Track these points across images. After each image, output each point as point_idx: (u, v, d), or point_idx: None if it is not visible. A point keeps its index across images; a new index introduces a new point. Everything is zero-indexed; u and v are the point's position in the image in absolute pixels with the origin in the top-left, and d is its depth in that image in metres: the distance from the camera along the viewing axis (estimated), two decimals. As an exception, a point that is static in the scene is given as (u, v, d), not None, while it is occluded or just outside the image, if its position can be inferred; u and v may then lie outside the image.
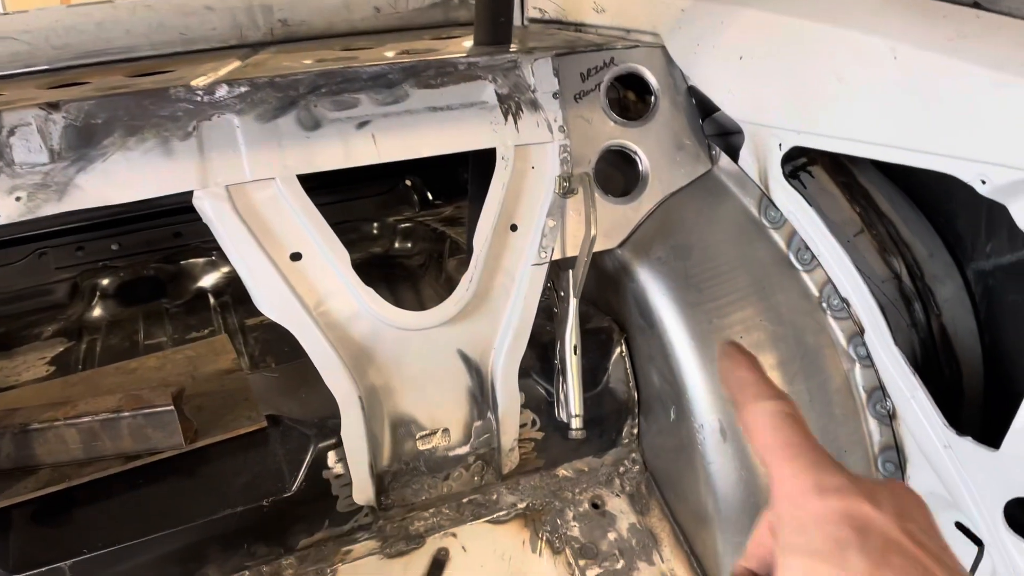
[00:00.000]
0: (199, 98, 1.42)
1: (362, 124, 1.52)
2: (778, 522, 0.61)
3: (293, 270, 1.50)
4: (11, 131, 1.32)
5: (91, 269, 2.72)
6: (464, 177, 3.22)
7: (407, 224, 2.96)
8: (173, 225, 2.82)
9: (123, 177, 1.38)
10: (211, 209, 1.43)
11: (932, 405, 1.42)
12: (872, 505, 0.58)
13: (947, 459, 1.40)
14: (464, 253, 2.31)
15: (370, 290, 1.55)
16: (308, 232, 1.50)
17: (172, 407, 1.49)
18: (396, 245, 2.94)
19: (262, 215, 1.47)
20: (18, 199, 1.33)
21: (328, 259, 1.51)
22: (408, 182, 3.24)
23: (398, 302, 1.60)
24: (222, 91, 1.44)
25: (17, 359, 2.31)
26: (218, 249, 2.71)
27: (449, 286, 2.26)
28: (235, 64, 1.76)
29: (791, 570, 0.57)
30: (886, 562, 0.55)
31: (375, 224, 3.01)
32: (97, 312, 2.60)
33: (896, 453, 1.56)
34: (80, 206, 1.36)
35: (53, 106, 1.34)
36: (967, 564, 1.47)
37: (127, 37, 1.99)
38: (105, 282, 2.66)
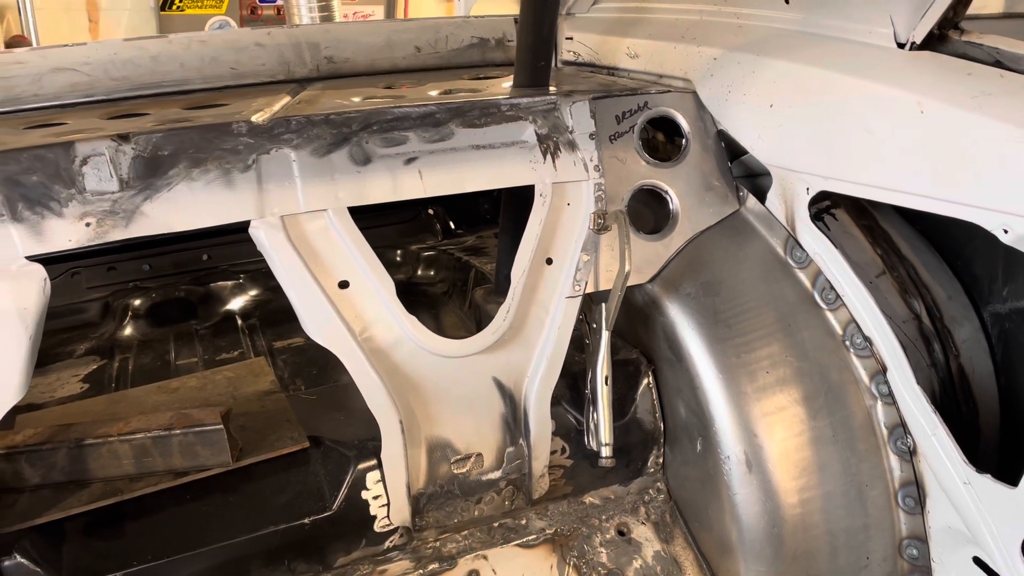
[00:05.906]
0: (259, 132, 1.50)
1: (410, 160, 1.60)
2: None
3: (341, 297, 1.57)
4: (84, 160, 1.40)
5: (122, 289, 2.78)
6: (485, 207, 3.32)
7: (430, 252, 3.03)
8: (201, 248, 2.89)
9: (186, 206, 1.45)
10: (266, 238, 1.50)
11: (952, 443, 1.48)
12: None
13: (966, 495, 1.46)
14: (489, 283, 2.37)
15: (413, 318, 1.62)
16: (356, 261, 1.57)
17: (222, 426, 1.56)
18: (419, 272, 3.01)
19: (313, 244, 1.54)
20: (88, 225, 1.41)
21: (374, 287, 1.58)
22: (431, 211, 3.31)
23: None
24: (280, 126, 1.52)
25: (51, 376, 2.36)
26: (245, 272, 2.82)
27: (475, 315, 2.32)
28: (286, 99, 1.84)
29: None
30: None
31: (398, 252, 3.07)
32: (128, 331, 2.66)
33: (916, 488, 1.61)
34: (145, 233, 1.43)
35: (124, 138, 1.42)
36: (984, 598, 1.52)
37: (181, 71, 2.09)
38: (136, 302, 2.72)
